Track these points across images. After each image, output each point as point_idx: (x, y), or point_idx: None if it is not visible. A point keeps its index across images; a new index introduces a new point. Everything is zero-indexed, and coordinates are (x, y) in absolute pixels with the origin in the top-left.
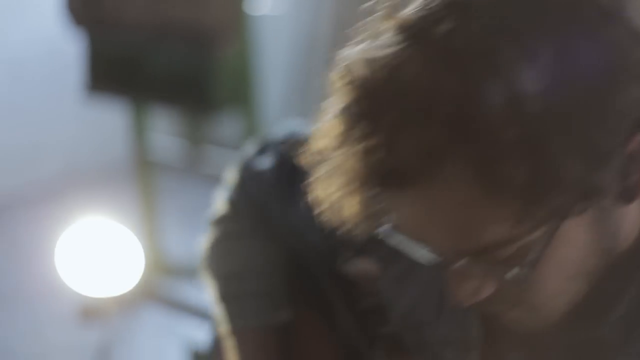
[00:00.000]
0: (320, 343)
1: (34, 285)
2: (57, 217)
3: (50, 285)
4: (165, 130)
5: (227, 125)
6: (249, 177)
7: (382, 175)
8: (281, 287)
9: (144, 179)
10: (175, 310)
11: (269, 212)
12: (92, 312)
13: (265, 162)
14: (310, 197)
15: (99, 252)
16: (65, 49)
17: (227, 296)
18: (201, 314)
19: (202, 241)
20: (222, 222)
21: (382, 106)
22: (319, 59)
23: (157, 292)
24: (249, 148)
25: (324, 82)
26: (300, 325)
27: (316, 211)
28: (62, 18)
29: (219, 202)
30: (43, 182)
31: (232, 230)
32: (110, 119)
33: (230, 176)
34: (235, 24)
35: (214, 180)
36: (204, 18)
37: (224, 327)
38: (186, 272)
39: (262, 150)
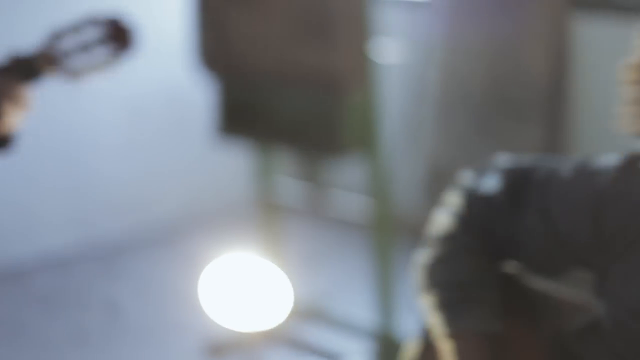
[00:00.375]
0: (528, 353)
1: (161, 321)
2: (183, 256)
3: (178, 321)
4: (288, 173)
5: (349, 169)
6: (475, 199)
7: None
8: (499, 299)
9: (267, 221)
10: (299, 351)
11: (494, 230)
12: (219, 349)
13: (491, 186)
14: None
15: (242, 287)
16: (191, 91)
17: (452, 302)
18: (323, 355)
19: (419, 256)
20: (448, 238)
21: None
22: (429, 105)
23: (281, 333)
24: (468, 175)
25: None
26: (511, 336)
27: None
28: (190, 62)
29: (441, 221)
30: (166, 223)
31: (459, 246)
32: (233, 161)
33: (454, 199)
34: (362, 71)
35: (337, 223)
36: (333, 65)
37: (441, 331)
38: (309, 314)
39: (484, 177)
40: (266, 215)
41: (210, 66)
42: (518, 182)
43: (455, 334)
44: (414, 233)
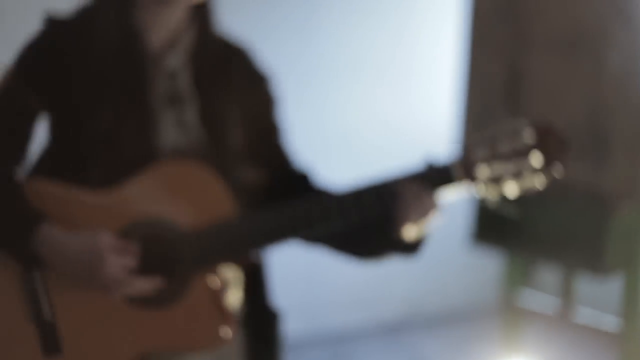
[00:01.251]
0: None
1: None
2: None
3: None
4: (537, 283)
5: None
6: None
7: None
8: None
9: (511, 329)
10: None
11: None
12: None
13: None
14: None
15: None
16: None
17: None
18: None
19: None
20: None
21: None
22: None
23: None
24: None
25: None
26: None
27: None
28: None
29: None
30: (394, 319)
31: None
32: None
33: None
34: (634, 187)
35: (581, 336)
36: (606, 182)
37: None
38: None
39: None
40: (511, 322)
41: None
42: None
43: None
44: None
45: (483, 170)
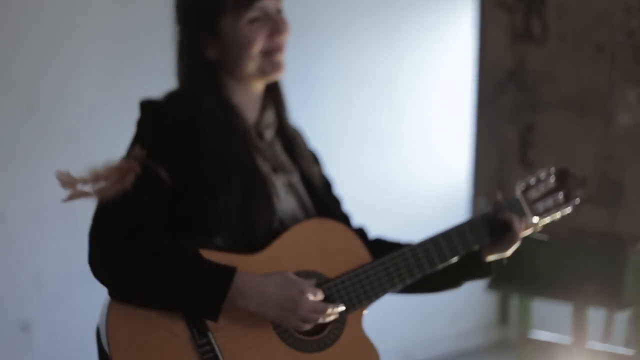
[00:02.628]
0: None
1: None
2: None
3: None
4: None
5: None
6: None
7: None
8: None
9: None
10: None
11: None
12: None
13: None
14: None
15: None
16: None
17: None
18: None
19: None
20: None
21: None
22: None
23: None
24: None
25: None
26: None
27: None
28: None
29: None
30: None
31: None
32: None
33: None
34: None
35: None
36: (621, 224)
37: None
38: None
39: None
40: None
41: None
42: None
43: None
44: None
45: (538, 206)
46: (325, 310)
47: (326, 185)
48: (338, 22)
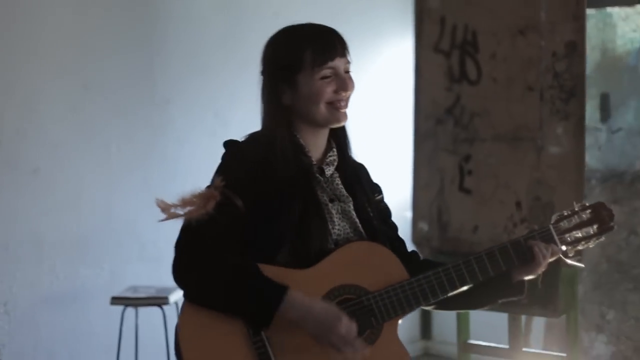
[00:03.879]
0: None
1: None
2: None
3: None
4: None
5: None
6: None
7: None
8: None
9: None
10: None
11: None
12: None
13: None
14: None
15: None
16: None
17: None
18: None
19: None
20: None
21: None
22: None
23: None
24: None
25: None
26: None
27: None
28: None
29: None
30: None
31: None
32: None
33: None
34: None
35: None
36: None
37: None
38: None
39: None
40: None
41: None
42: None
43: None
44: None
45: (566, 236)
46: (352, 342)
47: (383, 213)
48: None
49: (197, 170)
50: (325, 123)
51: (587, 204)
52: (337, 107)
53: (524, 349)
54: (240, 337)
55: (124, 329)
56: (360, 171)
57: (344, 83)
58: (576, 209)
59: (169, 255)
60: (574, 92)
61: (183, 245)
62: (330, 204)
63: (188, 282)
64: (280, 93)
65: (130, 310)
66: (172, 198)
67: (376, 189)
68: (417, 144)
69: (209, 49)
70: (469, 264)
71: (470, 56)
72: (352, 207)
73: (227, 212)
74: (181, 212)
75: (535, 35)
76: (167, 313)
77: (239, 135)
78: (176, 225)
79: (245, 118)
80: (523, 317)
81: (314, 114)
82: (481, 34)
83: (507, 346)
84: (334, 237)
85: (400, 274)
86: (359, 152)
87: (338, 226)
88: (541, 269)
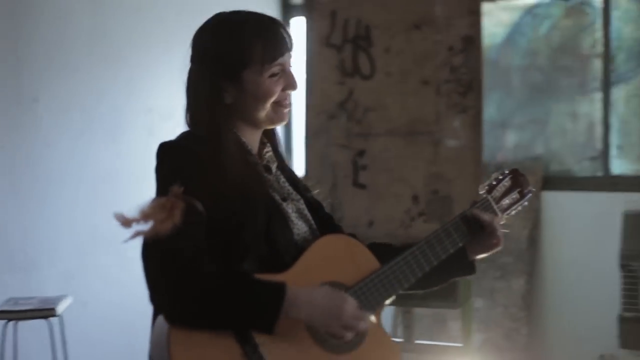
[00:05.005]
0: None
1: None
2: None
3: None
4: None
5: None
6: None
7: None
8: None
9: None
10: None
11: None
12: None
13: None
14: None
15: None
16: None
17: None
18: None
19: None
20: None
21: None
22: None
23: None
24: None
25: None
26: None
27: None
28: None
29: None
30: None
31: None
32: None
33: None
34: None
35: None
36: None
37: None
38: None
39: None
40: None
41: None
42: None
43: None
44: None
45: (502, 203)
46: (364, 317)
47: (320, 207)
48: (141, 58)
49: (68, 173)
50: (270, 123)
51: (506, 171)
52: (283, 105)
53: (416, 342)
54: (236, 355)
55: (6, 345)
56: (290, 167)
57: (292, 80)
58: (499, 177)
59: (41, 263)
60: (471, 86)
61: (161, 266)
62: (284, 204)
63: (177, 305)
64: (222, 90)
65: (9, 325)
66: (42, 204)
67: (306, 184)
68: (309, 140)
69: (75, 45)
70: (431, 244)
71: (364, 50)
72: (304, 205)
73: (194, 220)
74: (146, 227)
75: (431, 30)
76: (54, 326)
77: (110, 136)
78: (44, 231)
79: (114, 116)
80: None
81: (259, 114)
82: (374, 28)
83: (401, 339)
84: (295, 237)
85: (371, 263)
86: None
87: (297, 226)
88: (499, 242)
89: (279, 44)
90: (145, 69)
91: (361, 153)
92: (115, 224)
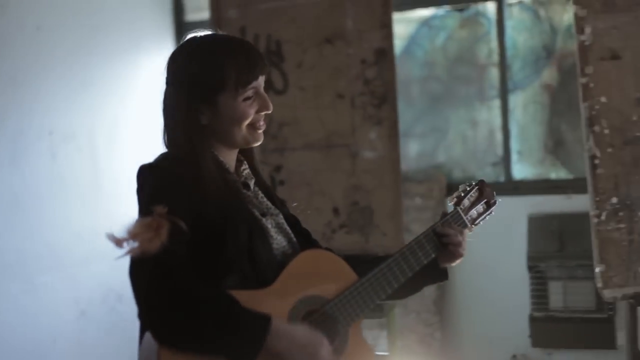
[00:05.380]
0: None
1: None
2: None
3: None
4: None
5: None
6: None
7: None
8: None
9: None
10: None
11: None
12: None
13: None
14: None
15: None
16: None
17: None
18: None
19: None
20: None
21: None
22: None
23: None
24: None
25: None
26: None
27: None
28: None
29: None
30: None
31: None
32: None
33: None
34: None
35: None
36: (372, 246)
37: None
38: None
39: None
40: None
41: None
42: None
43: None
44: None
45: (471, 213)
46: None
47: (297, 222)
48: (39, 79)
49: None
50: (245, 144)
51: (473, 183)
52: (257, 127)
53: None
54: None
55: None
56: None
57: (265, 102)
58: (467, 188)
59: None
60: (385, 98)
61: (151, 285)
62: (263, 219)
63: (169, 325)
64: (198, 112)
65: None
66: None
67: (282, 199)
68: None
69: None
70: (405, 256)
71: (275, 66)
72: (283, 219)
73: (180, 239)
74: (136, 246)
75: (343, 43)
76: None
77: (12, 157)
78: None
79: (16, 137)
80: None
81: (234, 136)
82: (285, 43)
83: None
84: (274, 251)
85: (349, 276)
86: (114, 172)
87: (276, 240)
88: (463, 252)
89: (252, 67)
90: (45, 91)
91: (278, 168)
92: (21, 249)
